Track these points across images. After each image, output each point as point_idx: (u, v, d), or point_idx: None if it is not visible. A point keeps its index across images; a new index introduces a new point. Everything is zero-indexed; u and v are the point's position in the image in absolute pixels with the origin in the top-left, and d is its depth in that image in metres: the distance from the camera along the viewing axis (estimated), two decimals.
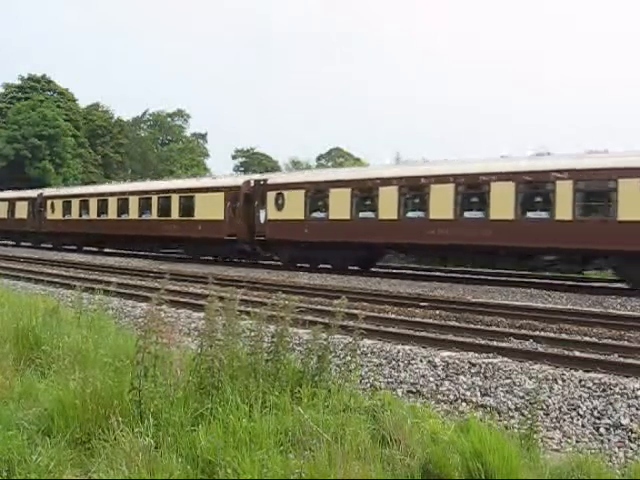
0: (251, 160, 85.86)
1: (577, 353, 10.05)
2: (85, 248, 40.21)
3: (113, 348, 7.40)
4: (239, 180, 31.50)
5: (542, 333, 12.14)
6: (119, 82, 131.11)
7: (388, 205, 23.96)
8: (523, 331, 12.37)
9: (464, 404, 7.98)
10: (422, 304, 15.49)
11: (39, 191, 46.01)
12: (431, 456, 5.28)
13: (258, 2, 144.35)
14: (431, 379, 8.72)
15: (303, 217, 26.68)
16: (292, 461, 4.87)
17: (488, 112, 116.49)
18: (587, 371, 8.61)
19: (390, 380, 8.82)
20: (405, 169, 26.57)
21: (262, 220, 28.25)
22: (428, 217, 22.99)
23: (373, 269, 26.30)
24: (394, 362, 9.37)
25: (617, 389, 7.74)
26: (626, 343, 11.24)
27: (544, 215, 20.52)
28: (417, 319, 13.66)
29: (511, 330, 12.40)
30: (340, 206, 25.45)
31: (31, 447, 5.03)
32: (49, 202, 43.72)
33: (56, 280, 19.95)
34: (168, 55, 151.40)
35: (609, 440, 6.79)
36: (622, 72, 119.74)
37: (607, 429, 7.00)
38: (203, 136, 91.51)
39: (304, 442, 5.13)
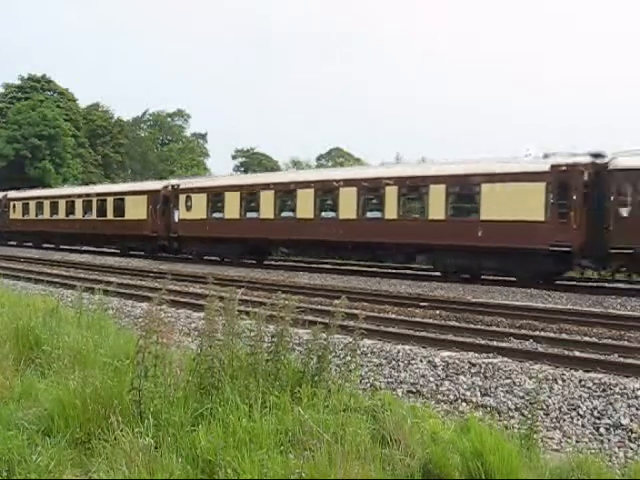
0: (251, 160, 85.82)
1: (577, 353, 10.06)
2: (45, 245, 43.90)
3: (113, 348, 7.39)
4: (159, 185, 35.95)
5: (542, 333, 12.14)
6: (119, 82, 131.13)
7: (267, 207, 28.31)
8: (523, 331, 12.37)
9: (464, 404, 7.97)
10: (422, 304, 15.49)
11: (3, 193, 49.52)
12: (431, 456, 5.28)
13: (258, 2, 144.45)
14: (431, 379, 8.71)
15: (205, 217, 31.19)
16: (292, 461, 4.87)
17: (488, 112, 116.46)
18: (587, 371, 8.62)
19: (390, 380, 8.82)
20: (279, 176, 32.27)
21: (176, 219, 32.87)
22: (296, 217, 27.18)
23: (372, 269, 26.41)
24: (394, 362, 9.37)
25: (617, 389, 7.74)
26: (626, 343, 11.24)
27: (378, 215, 24.55)
28: (417, 319, 13.67)
29: (511, 330, 12.41)
30: (233, 207, 29.95)
31: (31, 447, 5.03)
32: (12, 204, 47.95)
33: (56, 280, 19.96)
34: (168, 55, 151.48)
35: (609, 440, 6.79)
36: (622, 72, 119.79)
37: (607, 429, 7.00)
38: (203, 136, 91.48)
39: (304, 442, 5.13)
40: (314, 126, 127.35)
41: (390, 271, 25.46)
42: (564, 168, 19.95)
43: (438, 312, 14.58)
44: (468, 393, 8.21)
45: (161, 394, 5.52)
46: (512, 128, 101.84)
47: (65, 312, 10.33)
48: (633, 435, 6.80)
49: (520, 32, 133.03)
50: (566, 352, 10.12)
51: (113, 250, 37.97)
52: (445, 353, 9.71)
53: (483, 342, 10.85)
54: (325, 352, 6.56)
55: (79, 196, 41.09)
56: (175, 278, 19.45)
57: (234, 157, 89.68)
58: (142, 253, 35.27)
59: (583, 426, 7.13)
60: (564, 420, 7.27)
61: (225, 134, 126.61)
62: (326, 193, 26.44)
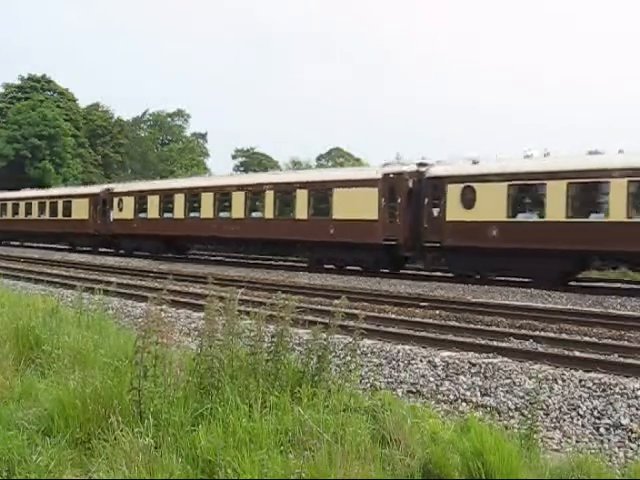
0: (251, 160, 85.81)
1: (577, 353, 10.05)
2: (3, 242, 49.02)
3: (113, 348, 7.39)
4: (99, 189, 41.69)
5: (542, 333, 12.14)
6: (119, 82, 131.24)
7: (179, 207, 33.70)
8: (523, 331, 12.37)
9: (464, 404, 7.97)
10: (422, 304, 15.49)
11: None
12: (431, 456, 5.28)
13: (258, 2, 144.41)
14: (431, 379, 8.71)
15: (133, 217, 36.82)
16: (292, 461, 4.86)
17: (488, 112, 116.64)
18: (587, 371, 8.61)
19: (390, 380, 8.81)
20: (188, 182, 37.20)
21: (111, 219, 38.43)
22: (200, 216, 32.24)
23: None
24: (394, 362, 9.37)
25: (617, 389, 7.74)
26: (626, 343, 11.24)
27: (259, 215, 29.34)
28: (417, 319, 13.66)
29: (511, 330, 12.40)
30: (154, 208, 35.52)
31: (31, 447, 5.02)
32: None
33: (56, 280, 19.95)
34: (168, 55, 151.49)
35: (609, 440, 6.79)
36: (622, 72, 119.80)
37: (607, 429, 7.00)
38: (203, 136, 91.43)
39: (304, 442, 5.13)
40: (314, 126, 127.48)
41: (390, 271, 25.47)
42: (392, 176, 24.24)
43: (438, 312, 14.58)
44: (468, 393, 8.21)
45: (161, 394, 5.51)
46: (512, 128, 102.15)
47: (65, 312, 10.32)
48: (633, 435, 6.79)
49: (520, 32, 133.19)
50: (566, 352, 10.11)
51: (64, 246, 42.91)
52: (445, 353, 9.71)
53: (483, 342, 10.84)
54: (325, 352, 6.55)
55: (34, 198, 46.53)
56: (175, 278, 19.45)
57: (234, 157, 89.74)
58: (89, 249, 40.08)
59: (583, 426, 7.12)
60: (564, 420, 7.27)
61: (225, 134, 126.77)
62: (223, 196, 31.49)
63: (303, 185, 27.34)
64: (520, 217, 21.50)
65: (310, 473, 4.68)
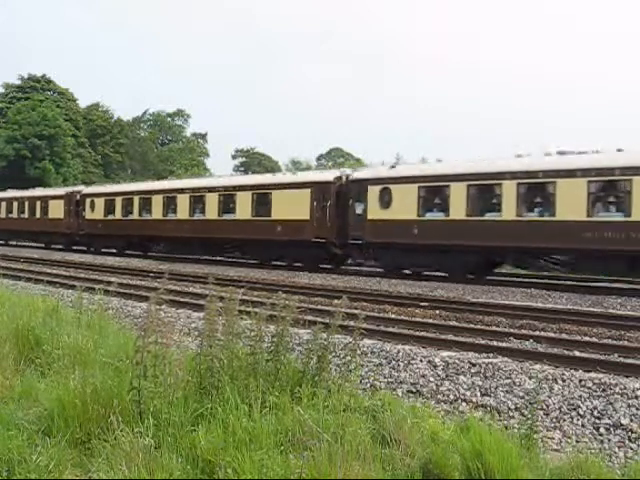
0: (251, 160, 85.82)
1: (577, 353, 10.05)
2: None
3: (113, 348, 7.39)
4: None
5: (542, 333, 12.13)
6: (119, 82, 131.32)
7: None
8: (523, 331, 12.37)
9: (464, 404, 7.97)
10: (422, 304, 15.48)
11: None
12: (431, 456, 5.27)
13: (257, 2, 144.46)
14: (431, 379, 8.71)
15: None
16: (292, 461, 4.86)
17: (488, 112, 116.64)
18: (587, 371, 8.61)
19: (390, 380, 8.81)
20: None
21: None
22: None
23: (372, 269, 26.48)
24: (394, 362, 9.36)
25: (617, 389, 7.74)
26: (626, 343, 11.24)
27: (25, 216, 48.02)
28: (417, 319, 13.65)
29: (511, 330, 12.40)
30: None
31: (31, 447, 5.02)
32: None
33: (56, 280, 19.93)
34: (168, 55, 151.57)
35: (609, 440, 6.78)
36: (623, 72, 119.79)
37: (607, 429, 7.00)
38: (203, 136, 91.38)
39: (304, 442, 5.13)
40: (314, 126, 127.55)
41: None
42: (72, 193, 43.02)
43: (438, 312, 14.57)
44: (468, 393, 8.20)
45: (161, 394, 5.51)
46: (512, 127, 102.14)
47: (65, 312, 10.32)
48: (633, 435, 6.79)
49: (520, 32, 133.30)
50: (566, 352, 10.11)
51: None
52: (445, 353, 9.70)
53: (483, 342, 10.84)
54: (325, 352, 6.55)
55: None
56: (175, 278, 19.50)
57: (234, 157, 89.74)
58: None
59: (583, 426, 7.12)
60: (564, 420, 7.27)
61: (225, 134, 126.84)
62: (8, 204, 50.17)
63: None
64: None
65: (310, 473, 4.68)
